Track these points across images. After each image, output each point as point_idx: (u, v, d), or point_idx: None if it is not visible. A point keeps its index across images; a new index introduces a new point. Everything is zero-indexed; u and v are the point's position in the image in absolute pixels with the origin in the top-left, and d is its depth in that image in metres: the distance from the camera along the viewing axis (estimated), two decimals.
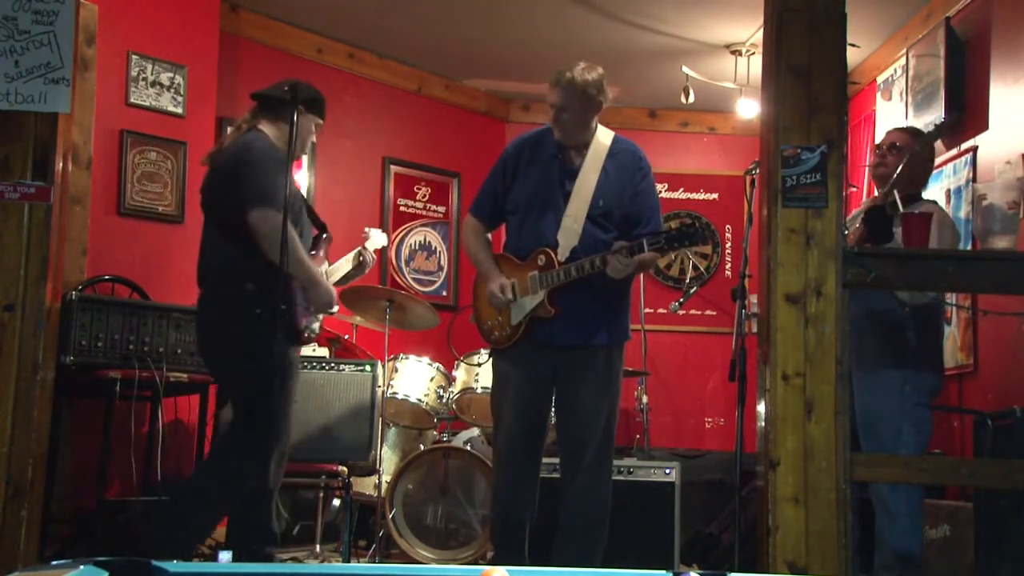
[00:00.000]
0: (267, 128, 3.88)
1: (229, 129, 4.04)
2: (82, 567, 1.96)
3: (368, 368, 4.94)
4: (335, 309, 4.16)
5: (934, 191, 5.49)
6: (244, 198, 3.70)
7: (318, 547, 5.20)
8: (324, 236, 4.14)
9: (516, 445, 4.04)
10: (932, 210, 4.00)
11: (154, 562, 2.06)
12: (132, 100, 5.47)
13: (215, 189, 3.86)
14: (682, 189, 7.78)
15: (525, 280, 3.97)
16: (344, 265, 4.76)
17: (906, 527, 4.03)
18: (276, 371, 3.67)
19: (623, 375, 4.14)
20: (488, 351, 5.03)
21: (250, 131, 3.87)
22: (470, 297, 4.30)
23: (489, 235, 4.23)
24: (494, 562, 4.13)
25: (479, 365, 5.40)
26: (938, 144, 5.49)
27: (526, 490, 4.03)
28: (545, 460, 4.29)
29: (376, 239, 4.90)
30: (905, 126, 5.16)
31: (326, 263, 4.24)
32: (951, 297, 4.87)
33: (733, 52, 6.55)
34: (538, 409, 4.04)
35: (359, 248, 4.79)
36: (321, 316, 4.10)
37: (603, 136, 4.07)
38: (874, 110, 6.42)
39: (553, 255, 3.94)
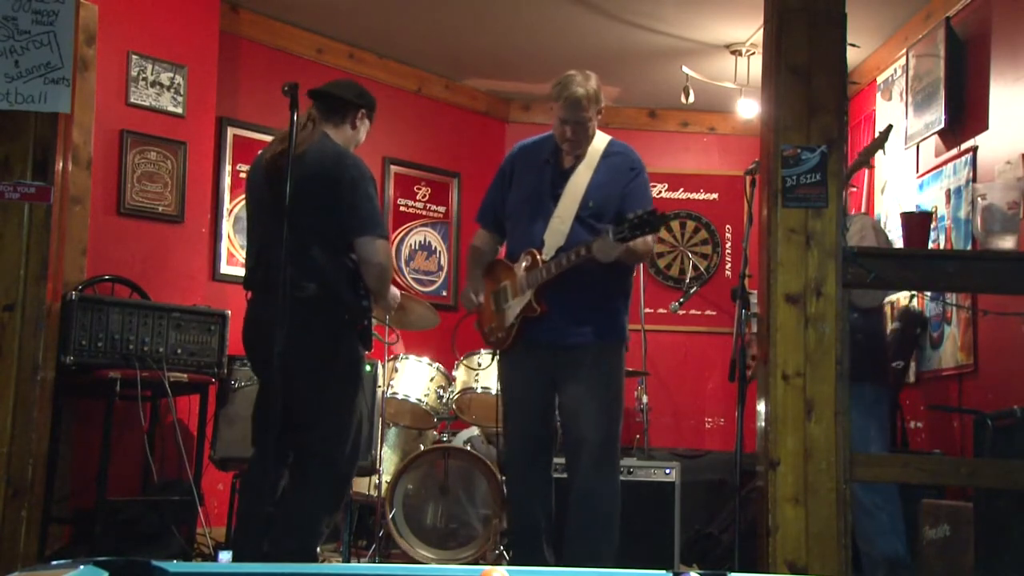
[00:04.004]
0: (333, 133, 3.84)
1: (277, 133, 3.77)
2: (82, 567, 1.96)
3: (368, 368, 4.95)
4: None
5: (934, 191, 5.50)
6: (358, 223, 3.67)
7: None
8: None
9: (521, 448, 4.06)
10: (868, 220, 4.23)
11: (154, 562, 2.07)
12: (132, 100, 5.47)
13: (310, 193, 3.60)
14: (682, 189, 7.77)
15: (515, 282, 4.00)
16: None
17: (885, 526, 4.03)
18: (361, 384, 3.83)
19: (624, 375, 4.14)
20: (491, 353, 5.06)
21: (325, 136, 3.78)
22: None
23: (500, 244, 4.26)
24: (514, 564, 4.12)
25: (479, 367, 5.39)
26: (938, 144, 5.50)
27: (537, 492, 4.03)
28: (558, 460, 4.30)
29: None
30: None
31: None
32: (951, 297, 4.87)
33: (733, 52, 6.55)
34: (540, 410, 4.04)
35: None
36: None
37: (598, 139, 4.08)
38: (874, 110, 6.41)
39: (538, 255, 3.95)
